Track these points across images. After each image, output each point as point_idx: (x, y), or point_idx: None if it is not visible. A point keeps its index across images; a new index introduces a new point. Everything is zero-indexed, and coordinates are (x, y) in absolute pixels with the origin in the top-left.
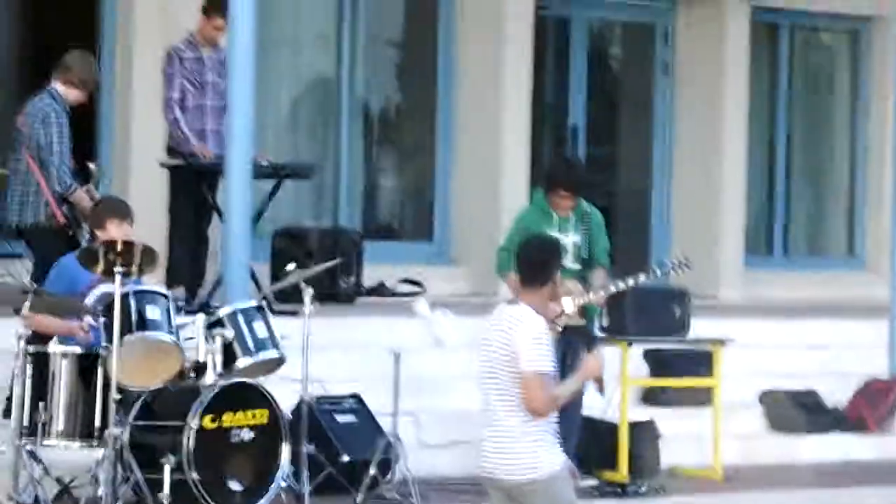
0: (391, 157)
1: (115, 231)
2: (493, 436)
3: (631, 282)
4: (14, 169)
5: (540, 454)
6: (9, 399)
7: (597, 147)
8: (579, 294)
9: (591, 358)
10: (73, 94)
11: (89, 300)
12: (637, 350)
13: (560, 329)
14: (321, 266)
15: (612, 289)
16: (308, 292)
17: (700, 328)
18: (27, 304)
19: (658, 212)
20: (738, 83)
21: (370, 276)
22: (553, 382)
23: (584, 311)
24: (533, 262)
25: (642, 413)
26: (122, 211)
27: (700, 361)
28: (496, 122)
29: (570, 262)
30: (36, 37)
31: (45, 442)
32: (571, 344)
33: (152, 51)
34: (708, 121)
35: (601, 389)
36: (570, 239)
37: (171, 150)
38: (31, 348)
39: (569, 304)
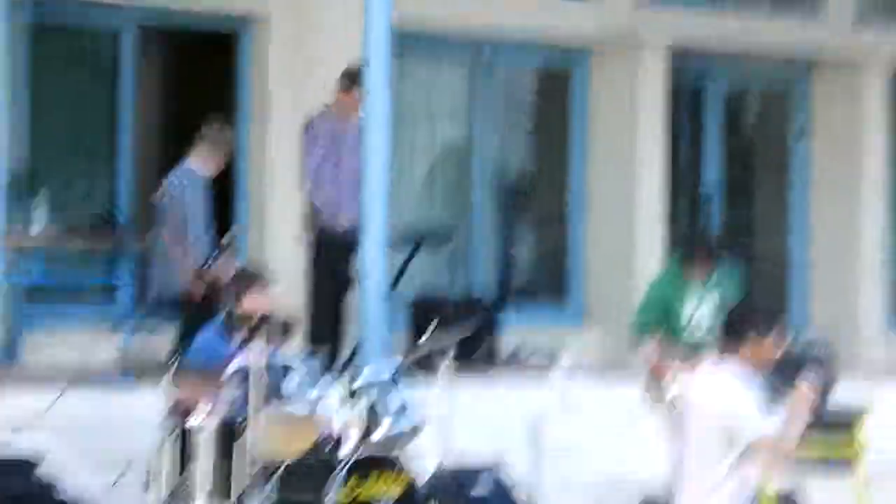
0: (526, 225)
1: (254, 303)
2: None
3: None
4: (154, 244)
5: None
6: (148, 472)
7: (733, 212)
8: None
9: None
10: (209, 168)
11: (230, 371)
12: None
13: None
14: (458, 334)
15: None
16: (445, 361)
17: (842, 392)
18: (168, 377)
19: (797, 275)
20: (875, 142)
21: (508, 343)
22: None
23: None
24: (728, 325)
25: (785, 482)
26: (260, 282)
27: (843, 428)
28: (631, 187)
29: (704, 332)
30: (176, 107)
31: None
32: None
33: (288, 121)
34: (845, 182)
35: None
36: (706, 309)
37: (308, 220)
38: (171, 421)
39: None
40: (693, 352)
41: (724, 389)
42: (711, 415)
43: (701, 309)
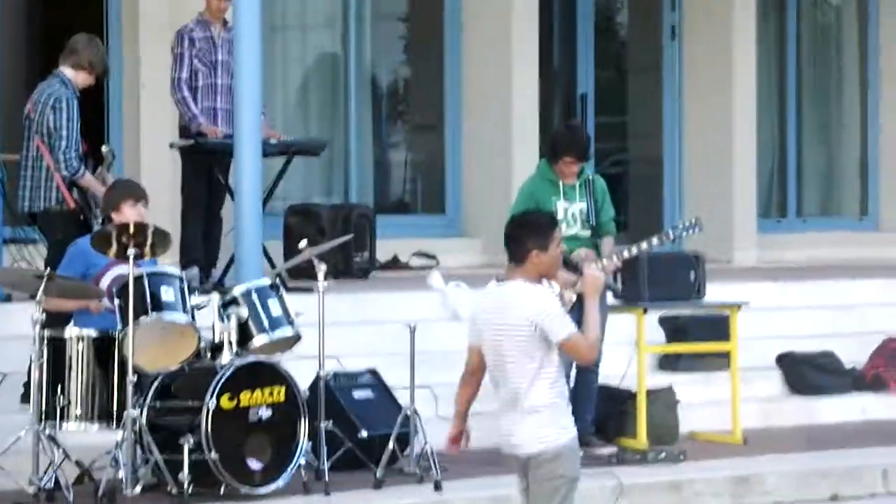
0: (401, 132)
1: (129, 213)
2: (509, 410)
3: (644, 246)
4: (25, 155)
5: (554, 424)
6: (27, 384)
7: (606, 116)
8: (591, 261)
9: (587, 275)
10: (81, 78)
11: (104, 282)
12: (652, 316)
13: (573, 300)
14: (334, 242)
15: (625, 255)
16: (321, 268)
17: (715, 293)
18: (41, 288)
19: (670, 177)
20: (746, 46)
21: (384, 251)
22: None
23: None
24: (510, 239)
25: (660, 380)
26: (136, 193)
27: (716, 326)
28: (505, 94)
29: (578, 229)
30: (44, 23)
31: (64, 426)
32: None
33: (159, 31)
34: (718, 84)
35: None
36: (576, 207)
37: (183, 131)
38: (48, 333)
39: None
40: (572, 248)
41: (527, 295)
42: (522, 319)
43: (572, 206)
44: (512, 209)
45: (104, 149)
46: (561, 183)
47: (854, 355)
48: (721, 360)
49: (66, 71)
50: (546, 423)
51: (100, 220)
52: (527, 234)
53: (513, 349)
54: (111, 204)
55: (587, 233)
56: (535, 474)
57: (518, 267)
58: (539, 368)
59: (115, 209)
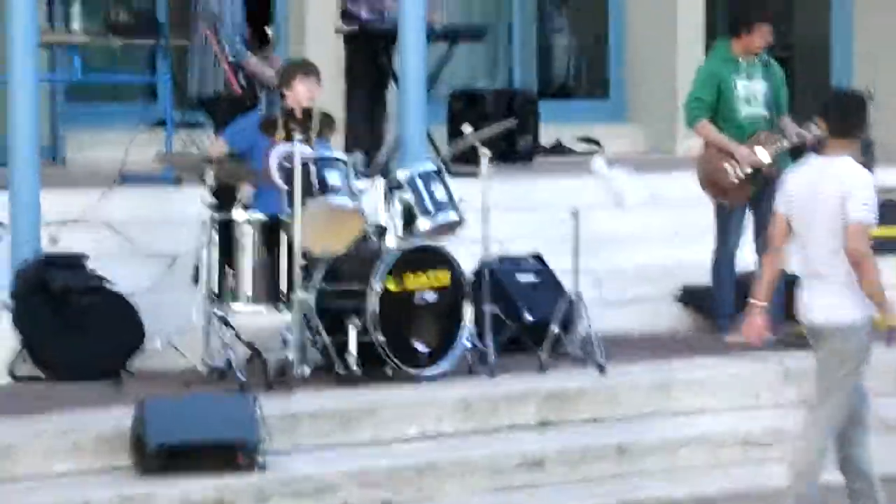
0: (564, 16)
1: (301, 88)
2: (808, 281)
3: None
4: (192, 42)
5: (847, 299)
6: (197, 267)
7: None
8: (773, 142)
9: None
10: None
11: (272, 159)
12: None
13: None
14: (497, 127)
15: (807, 135)
16: (485, 153)
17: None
18: (211, 173)
19: (840, 59)
20: None
21: (547, 136)
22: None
23: (777, 159)
24: (848, 113)
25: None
26: (308, 68)
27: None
28: None
29: (760, 108)
30: None
31: (234, 306)
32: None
33: None
34: None
35: None
36: (757, 86)
37: (346, 15)
38: (217, 216)
39: (764, 154)
40: (752, 129)
41: (847, 171)
42: (834, 192)
43: (753, 85)
44: (693, 89)
45: (269, 31)
46: (741, 61)
47: None
48: None
49: None
50: (840, 297)
51: (268, 101)
52: (858, 109)
53: (821, 222)
54: (284, 80)
55: (766, 113)
56: (825, 346)
57: (842, 140)
58: (841, 245)
59: (286, 85)
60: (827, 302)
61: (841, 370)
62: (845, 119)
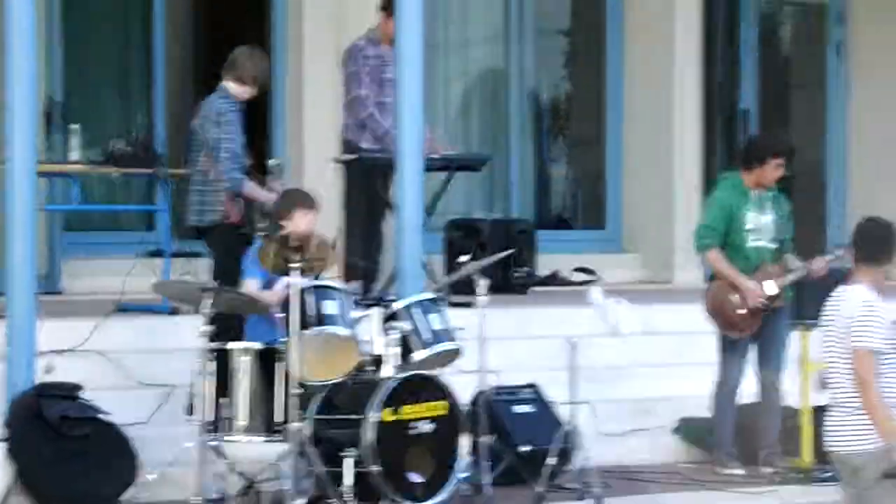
0: (561, 147)
1: (301, 221)
2: (831, 409)
3: (829, 258)
4: (193, 170)
5: (863, 429)
6: (192, 396)
7: (769, 129)
8: (780, 275)
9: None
10: (243, 91)
11: (278, 286)
12: (817, 334)
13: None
14: (494, 257)
15: (811, 268)
16: (482, 283)
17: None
18: (207, 302)
19: (834, 193)
20: None
21: (544, 266)
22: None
23: (783, 292)
24: (873, 239)
25: (823, 398)
26: (308, 201)
27: None
28: (667, 108)
29: (767, 241)
30: (208, 43)
31: (229, 437)
32: (774, 324)
33: (323, 44)
34: (884, 99)
35: None
36: (766, 219)
37: (345, 146)
38: (213, 345)
39: (771, 287)
40: (758, 262)
41: (856, 298)
42: (846, 319)
43: (762, 218)
44: (704, 216)
45: (272, 162)
46: (752, 193)
47: None
48: None
49: (229, 84)
50: (856, 427)
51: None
52: (885, 237)
53: (836, 349)
54: (283, 211)
55: (774, 246)
56: (845, 475)
57: (867, 268)
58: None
59: (286, 217)
60: (843, 430)
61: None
62: (870, 247)
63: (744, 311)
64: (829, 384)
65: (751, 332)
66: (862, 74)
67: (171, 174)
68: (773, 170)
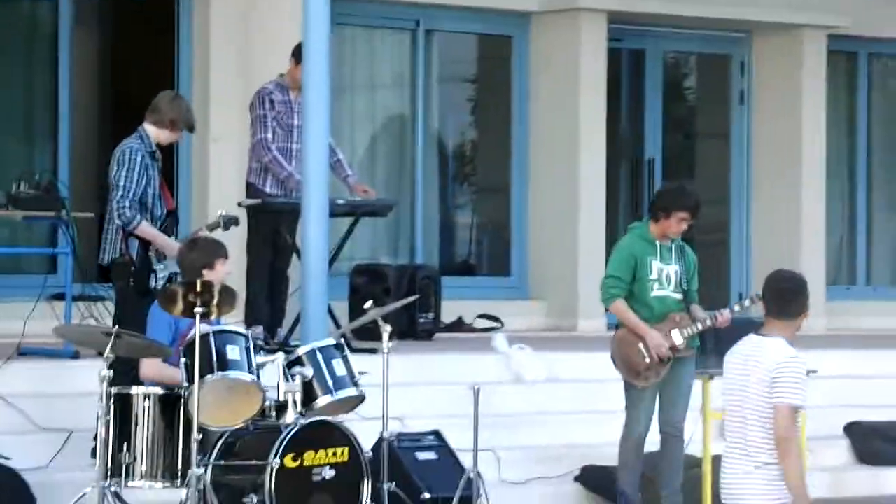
0: (467, 194)
1: (221, 270)
2: (733, 463)
3: (736, 309)
4: (105, 212)
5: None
6: (95, 440)
7: (673, 180)
8: (687, 325)
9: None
10: (163, 135)
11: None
12: (718, 383)
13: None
14: (399, 302)
15: (718, 318)
16: (386, 329)
17: None
18: (108, 346)
19: (737, 244)
20: (815, 111)
21: (449, 312)
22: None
23: (688, 342)
24: (786, 292)
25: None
26: (225, 251)
27: None
28: (573, 157)
29: (672, 290)
30: (115, 86)
31: (130, 483)
32: (680, 373)
33: (230, 89)
34: (786, 150)
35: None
36: (671, 269)
37: (249, 189)
38: (114, 389)
39: (678, 336)
40: (663, 311)
41: (777, 352)
42: (757, 378)
43: (667, 268)
44: (609, 267)
45: (219, 213)
46: (658, 243)
47: None
48: None
49: (148, 127)
50: (762, 481)
51: (161, 273)
52: (803, 292)
53: (750, 402)
54: (207, 260)
55: (678, 296)
56: None
57: (779, 321)
58: (770, 428)
59: (210, 266)
60: (748, 483)
61: None
62: (783, 300)
63: (649, 361)
64: (730, 435)
65: (656, 381)
66: (763, 125)
67: (73, 217)
68: (677, 223)
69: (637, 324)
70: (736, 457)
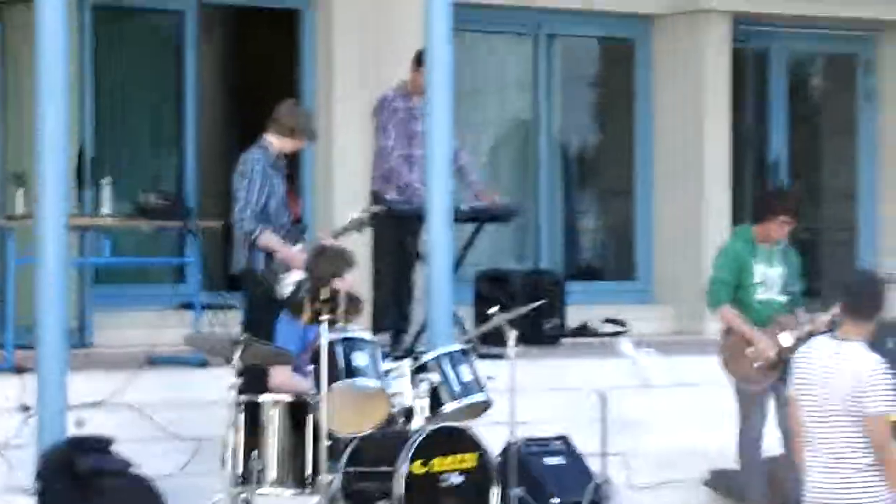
0: (591, 198)
1: (349, 278)
2: (827, 477)
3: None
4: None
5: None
6: (224, 449)
7: (799, 179)
8: (794, 327)
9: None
10: (285, 144)
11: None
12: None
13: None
14: (524, 308)
15: (824, 321)
16: (512, 335)
17: None
18: (237, 354)
19: (865, 243)
20: None
21: (574, 317)
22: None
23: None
24: (863, 293)
25: None
26: (352, 259)
27: None
28: (697, 158)
29: (776, 294)
30: (241, 93)
31: (259, 490)
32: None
33: (354, 98)
34: None
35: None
36: (775, 272)
37: (374, 196)
38: (243, 398)
39: (787, 339)
40: (768, 314)
41: (860, 362)
42: (840, 384)
43: (770, 271)
44: (714, 271)
45: (351, 216)
46: (760, 247)
47: None
48: None
49: (269, 137)
50: (863, 483)
51: (287, 282)
52: (875, 291)
53: (836, 409)
54: (332, 271)
55: (783, 299)
56: None
57: (857, 322)
58: (858, 433)
59: (337, 275)
60: (853, 488)
61: None
62: (861, 300)
63: (760, 365)
64: (819, 441)
65: (769, 385)
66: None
67: (200, 227)
68: (778, 226)
69: (746, 329)
70: (828, 463)
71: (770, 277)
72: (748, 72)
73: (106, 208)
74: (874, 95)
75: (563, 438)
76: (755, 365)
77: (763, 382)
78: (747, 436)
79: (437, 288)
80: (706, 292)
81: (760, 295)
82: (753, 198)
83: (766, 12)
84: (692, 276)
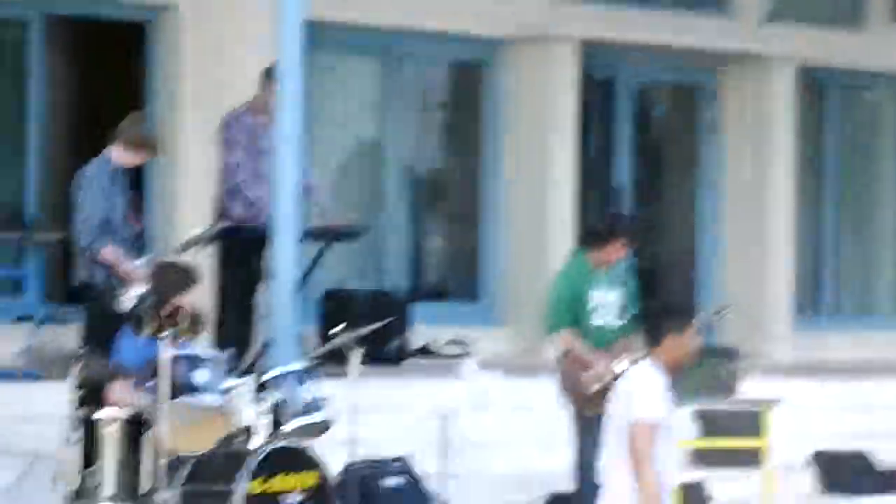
0: (438, 220)
1: (192, 294)
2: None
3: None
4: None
5: None
6: (57, 466)
7: (642, 207)
8: (631, 352)
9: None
10: (128, 158)
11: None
12: (686, 410)
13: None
14: (368, 327)
15: None
16: (355, 354)
17: (750, 388)
18: (75, 369)
19: (704, 273)
20: (784, 141)
21: (418, 338)
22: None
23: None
24: (656, 323)
25: (692, 474)
26: (196, 275)
27: (750, 422)
28: (542, 182)
29: (613, 318)
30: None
31: None
32: None
33: (200, 112)
34: (754, 178)
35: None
36: (610, 296)
37: (218, 213)
38: (81, 412)
39: (622, 364)
40: (604, 339)
41: (637, 386)
42: (622, 413)
43: (606, 295)
44: (551, 296)
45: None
46: (596, 272)
47: (887, 456)
48: (754, 457)
49: (113, 150)
50: None
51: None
52: (664, 316)
53: (613, 425)
54: (175, 286)
55: (619, 323)
56: None
57: (650, 349)
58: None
59: (180, 291)
60: None
61: None
62: (654, 328)
63: (596, 389)
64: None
65: (603, 409)
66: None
67: (41, 239)
68: (614, 249)
69: (583, 352)
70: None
71: (607, 302)
72: (595, 99)
73: None
74: (716, 125)
75: (403, 459)
76: (591, 389)
77: (598, 406)
78: (582, 459)
79: (282, 306)
80: (544, 317)
81: (597, 320)
82: (590, 222)
83: (612, 40)
84: (535, 298)
